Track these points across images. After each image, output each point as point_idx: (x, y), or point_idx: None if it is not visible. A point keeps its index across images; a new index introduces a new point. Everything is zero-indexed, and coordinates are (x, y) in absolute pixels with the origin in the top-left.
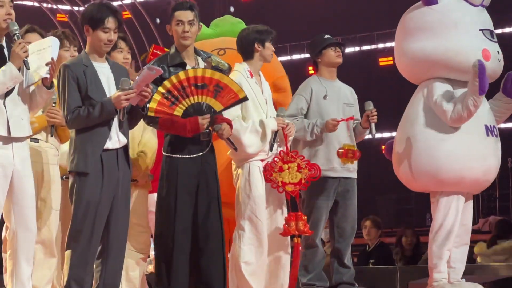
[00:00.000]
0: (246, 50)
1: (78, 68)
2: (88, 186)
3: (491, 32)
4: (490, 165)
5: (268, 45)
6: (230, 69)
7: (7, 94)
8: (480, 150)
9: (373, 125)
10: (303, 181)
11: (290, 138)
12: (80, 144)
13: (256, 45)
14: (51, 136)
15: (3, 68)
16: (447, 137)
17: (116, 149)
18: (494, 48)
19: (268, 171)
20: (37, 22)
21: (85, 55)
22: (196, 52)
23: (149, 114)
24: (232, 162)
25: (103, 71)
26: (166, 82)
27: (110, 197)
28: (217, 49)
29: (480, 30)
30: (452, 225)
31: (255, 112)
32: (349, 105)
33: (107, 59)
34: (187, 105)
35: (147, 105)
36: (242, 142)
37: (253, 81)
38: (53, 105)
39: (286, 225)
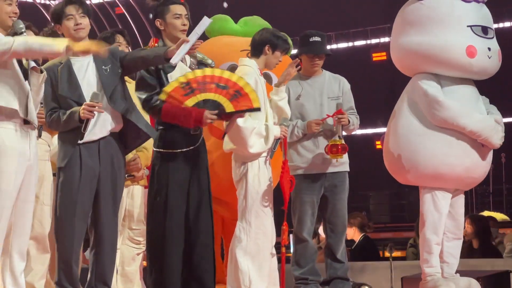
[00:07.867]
0: (256, 47)
1: (53, 68)
2: (66, 181)
3: (484, 28)
4: (473, 162)
5: (278, 54)
6: (212, 65)
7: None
8: (460, 147)
9: (339, 127)
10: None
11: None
12: (61, 141)
13: (266, 47)
14: (39, 137)
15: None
16: (426, 132)
17: (99, 141)
18: (483, 45)
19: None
20: (29, 16)
21: None
22: None
23: (161, 97)
24: (234, 159)
25: (82, 64)
26: (189, 74)
27: (92, 192)
28: (245, 50)
29: (468, 26)
30: (438, 221)
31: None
32: (334, 99)
33: None
34: (201, 99)
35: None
36: (247, 141)
37: (262, 79)
38: (41, 105)
39: (284, 235)
